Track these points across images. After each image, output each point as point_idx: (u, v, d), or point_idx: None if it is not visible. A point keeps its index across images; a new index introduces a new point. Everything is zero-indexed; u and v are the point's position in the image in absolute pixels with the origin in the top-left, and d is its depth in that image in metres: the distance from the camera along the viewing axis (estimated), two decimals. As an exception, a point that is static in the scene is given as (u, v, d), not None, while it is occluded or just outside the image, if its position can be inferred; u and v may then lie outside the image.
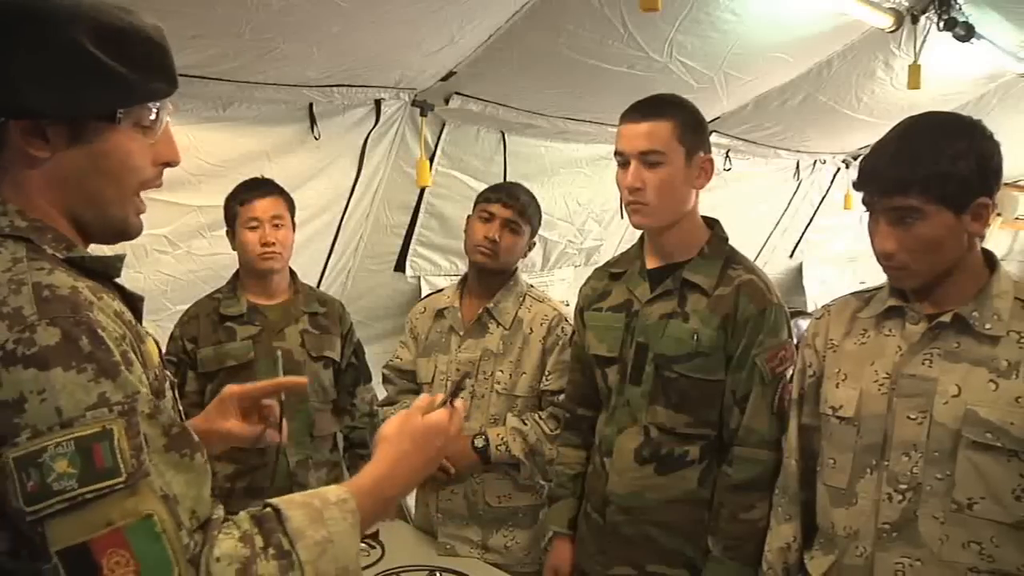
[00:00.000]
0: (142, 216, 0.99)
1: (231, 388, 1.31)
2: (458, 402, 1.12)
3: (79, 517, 0.73)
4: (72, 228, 0.92)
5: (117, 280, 0.96)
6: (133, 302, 0.97)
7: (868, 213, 1.40)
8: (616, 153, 1.75)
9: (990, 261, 1.41)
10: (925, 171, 1.29)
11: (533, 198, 2.24)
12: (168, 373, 1.02)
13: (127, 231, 0.97)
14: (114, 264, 0.94)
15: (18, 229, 0.85)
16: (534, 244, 2.26)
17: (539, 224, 2.26)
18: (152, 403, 0.81)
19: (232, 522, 0.84)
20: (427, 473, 1.05)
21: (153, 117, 0.93)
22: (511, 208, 2.14)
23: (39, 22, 0.82)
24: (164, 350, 2.21)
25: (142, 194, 0.97)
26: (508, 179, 3.33)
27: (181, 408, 1.06)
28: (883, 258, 1.38)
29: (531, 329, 2.17)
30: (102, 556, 0.72)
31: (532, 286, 2.30)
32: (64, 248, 0.87)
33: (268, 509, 0.87)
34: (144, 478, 0.76)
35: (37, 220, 0.87)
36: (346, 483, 0.96)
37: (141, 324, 0.98)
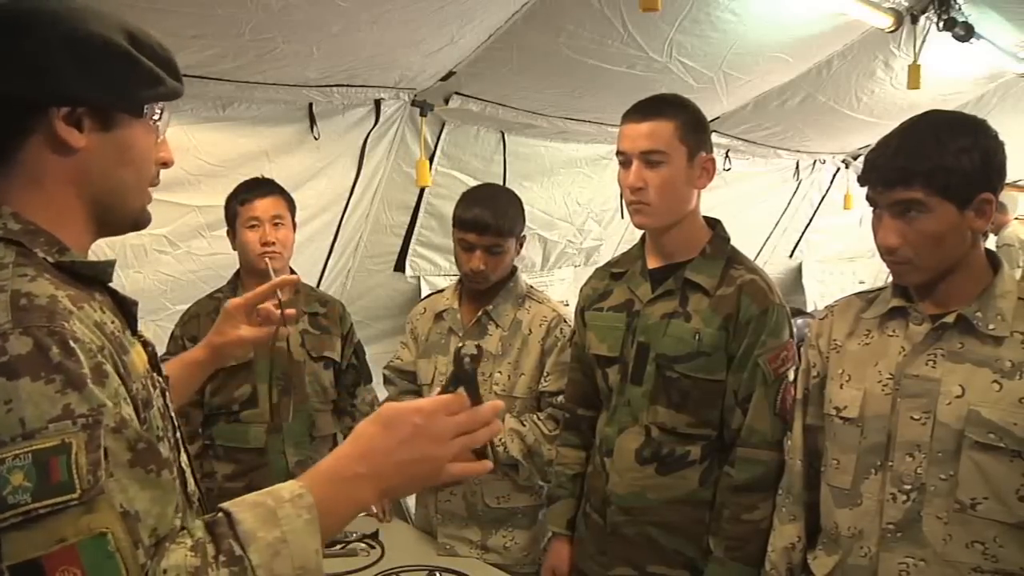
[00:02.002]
0: None
1: (233, 301, 1.44)
2: (492, 403, 1.01)
3: (32, 532, 0.71)
4: (87, 222, 0.93)
5: (111, 285, 0.96)
6: (127, 307, 0.97)
7: (872, 209, 1.40)
8: (618, 153, 1.74)
9: (993, 261, 1.41)
10: (929, 164, 1.29)
11: (509, 202, 2.17)
12: (160, 379, 1.01)
13: (141, 221, 1.01)
14: (104, 269, 0.94)
15: (11, 232, 0.86)
16: (524, 240, 2.23)
17: (523, 225, 2.19)
18: (118, 417, 0.79)
19: (187, 531, 0.83)
20: (413, 459, 0.93)
21: (157, 116, 0.97)
22: (487, 234, 2.07)
23: (77, 18, 0.87)
24: (165, 350, 2.23)
25: (151, 194, 1.02)
26: (508, 179, 3.33)
27: (173, 414, 1.05)
28: (886, 253, 1.38)
29: (530, 330, 2.17)
30: (53, 573, 0.71)
31: (532, 287, 2.29)
32: (56, 252, 0.88)
33: (220, 514, 0.84)
34: (100, 495, 0.74)
35: (31, 223, 0.88)
36: (304, 475, 0.91)
37: (135, 329, 0.98)
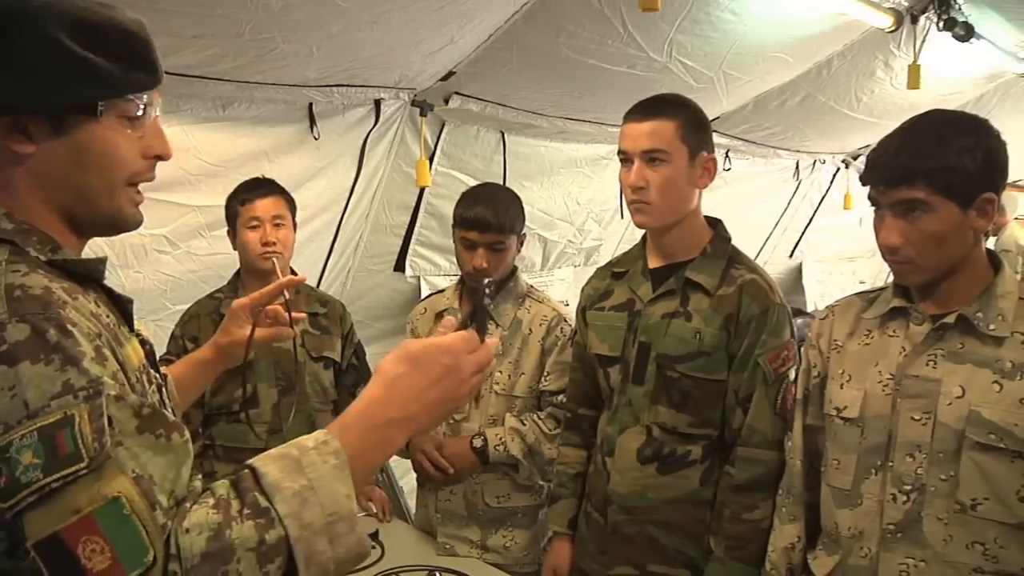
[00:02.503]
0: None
1: (238, 301, 1.42)
2: (489, 340, 0.97)
3: (48, 508, 0.72)
4: (64, 225, 0.92)
5: (105, 283, 0.95)
6: (122, 304, 0.96)
7: (874, 209, 1.40)
8: (619, 152, 1.74)
9: (994, 261, 1.41)
10: (931, 163, 1.29)
11: (510, 200, 2.18)
12: (157, 375, 1.01)
13: (122, 223, 0.96)
14: (96, 267, 0.93)
15: (3, 231, 0.86)
16: (524, 239, 2.24)
17: (523, 223, 2.20)
18: (119, 387, 0.79)
19: (209, 491, 0.81)
20: (442, 399, 0.92)
21: (140, 111, 0.92)
22: (489, 231, 2.07)
23: (12, 19, 0.82)
24: (165, 350, 2.23)
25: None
26: (508, 179, 3.33)
27: (170, 409, 1.05)
28: (888, 252, 1.38)
29: (530, 330, 2.17)
30: (76, 545, 0.71)
31: (532, 287, 2.29)
32: (49, 250, 0.87)
33: (245, 470, 0.83)
34: (108, 460, 0.74)
35: (24, 222, 0.87)
36: (332, 424, 0.88)
37: (131, 326, 0.98)
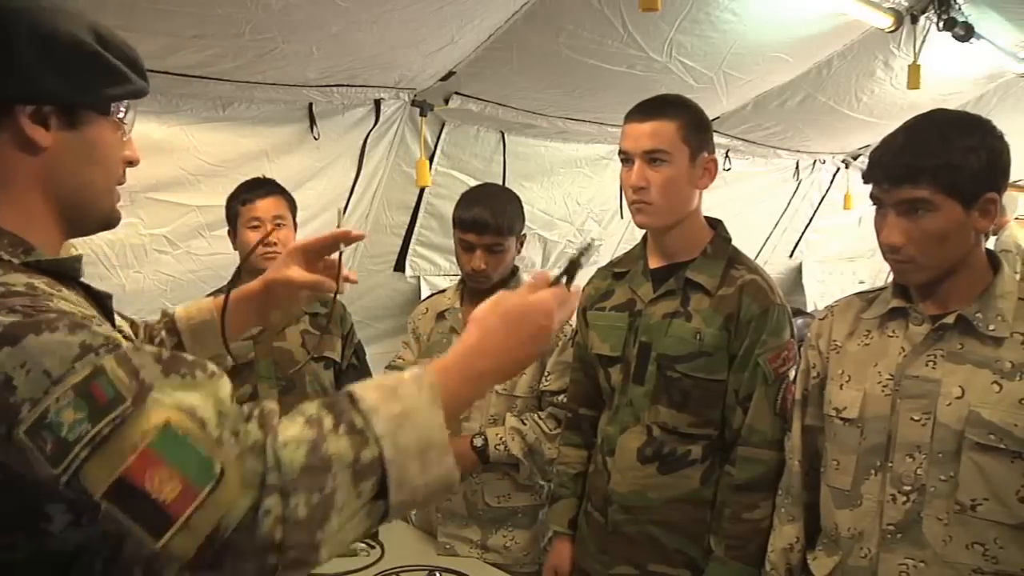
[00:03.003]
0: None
1: (297, 240, 1.38)
2: (573, 286, 1.00)
3: (105, 455, 0.70)
4: (56, 222, 0.93)
5: (83, 280, 0.96)
6: (102, 300, 0.97)
7: (875, 208, 1.40)
8: (620, 152, 1.74)
9: (994, 261, 1.41)
10: (936, 161, 1.29)
11: (508, 200, 2.18)
12: None
13: (111, 220, 1.00)
14: (72, 265, 0.93)
15: None
16: (524, 239, 2.23)
17: (523, 223, 2.20)
18: (132, 343, 0.80)
19: (296, 410, 0.81)
20: (531, 354, 0.95)
21: (122, 115, 0.96)
22: (487, 233, 2.07)
23: (44, 16, 0.87)
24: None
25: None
26: (508, 179, 3.33)
27: None
28: (889, 251, 1.38)
29: (531, 329, 2.16)
30: (143, 481, 0.69)
31: (533, 287, 2.29)
32: (22, 253, 0.87)
33: (341, 395, 0.82)
34: (150, 393, 0.73)
35: None
36: (430, 366, 0.89)
37: (113, 322, 0.98)
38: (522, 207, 2.20)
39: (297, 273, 1.31)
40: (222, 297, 1.32)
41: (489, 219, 2.07)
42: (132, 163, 1.01)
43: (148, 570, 0.72)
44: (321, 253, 1.33)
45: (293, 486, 0.72)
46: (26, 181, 0.89)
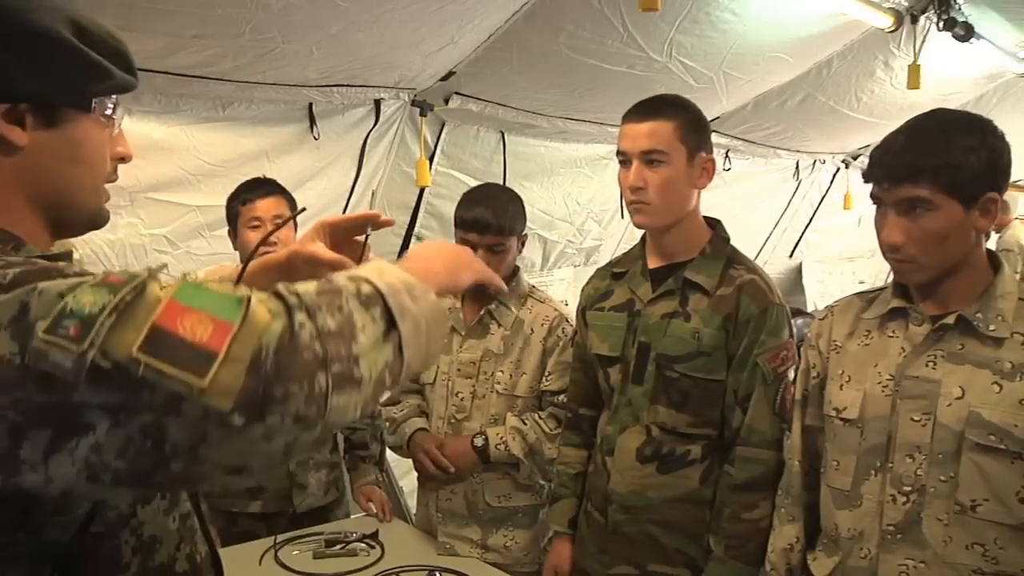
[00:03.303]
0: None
1: (326, 219, 1.34)
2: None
3: (131, 316, 0.67)
4: (42, 224, 0.90)
5: None
6: None
7: (876, 207, 1.40)
8: (618, 153, 1.74)
9: (994, 261, 1.41)
10: (936, 160, 1.29)
11: (510, 200, 2.18)
12: None
13: (98, 220, 0.97)
14: (64, 260, 0.91)
15: None
16: (525, 239, 2.23)
17: (524, 223, 2.19)
18: None
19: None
20: (455, 262, 1.01)
21: (109, 111, 0.92)
22: (488, 233, 2.07)
23: (15, 9, 0.83)
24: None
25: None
26: (508, 179, 3.33)
27: None
28: (889, 251, 1.37)
29: (532, 330, 2.17)
30: (176, 327, 0.67)
31: (534, 287, 2.29)
32: (12, 248, 0.85)
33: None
34: (161, 270, 0.74)
35: None
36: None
37: None
38: (524, 207, 2.20)
39: (322, 250, 1.27)
40: (240, 267, 1.31)
41: (491, 219, 2.06)
42: (124, 159, 0.98)
43: (194, 444, 0.68)
44: (349, 233, 1.30)
45: (316, 305, 0.73)
46: (5, 182, 0.85)
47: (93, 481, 0.69)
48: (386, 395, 0.81)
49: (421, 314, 0.82)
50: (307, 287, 0.75)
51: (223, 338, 0.67)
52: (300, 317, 0.70)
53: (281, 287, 0.74)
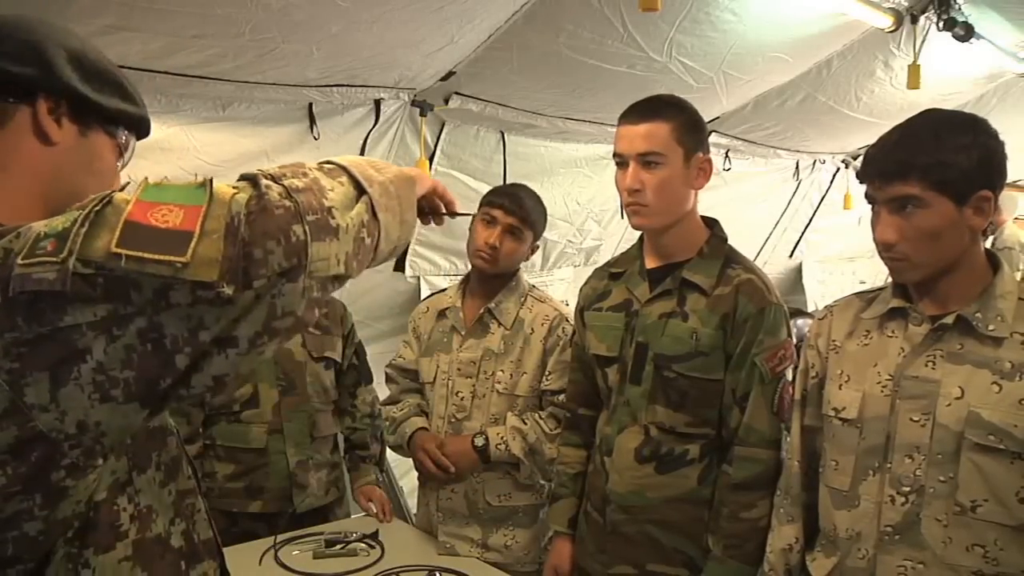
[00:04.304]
0: None
1: None
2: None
3: (102, 220, 0.69)
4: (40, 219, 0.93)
5: None
6: None
7: (871, 207, 1.40)
8: (614, 155, 1.75)
9: (993, 261, 1.41)
10: (926, 159, 1.29)
11: (539, 203, 2.22)
12: None
13: None
14: None
15: None
16: (537, 247, 2.27)
17: (543, 228, 2.24)
18: None
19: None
20: (411, 175, 0.97)
21: (123, 140, 0.99)
22: (513, 215, 2.11)
23: (73, 35, 0.93)
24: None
25: None
26: (508, 179, 3.33)
27: None
28: (883, 249, 1.38)
29: (532, 329, 2.17)
30: (148, 220, 0.69)
31: (534, 287, 2.30)
32: None
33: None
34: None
35: None
36: None
37: None
38: (546, 214, 2.26)
39: None
40: None
41: (518, 203, 2.14)
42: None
43: (192, 332, 0.70)
44: None
45: (280, 173, 0.76)
46: (26, 171, 0.89)
47: (105, 400, 0.70)
48: (371, 260, 0.84)
49: (388, 182, 0.86)
50: (272, 167, 0.78)
51: (195, 219, 0.69)
52: (266, 182, 0.73)
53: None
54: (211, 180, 0.72)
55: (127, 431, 0.77)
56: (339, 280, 0.79)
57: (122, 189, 0.74)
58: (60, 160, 0.91)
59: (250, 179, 0.74)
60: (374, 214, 0.82)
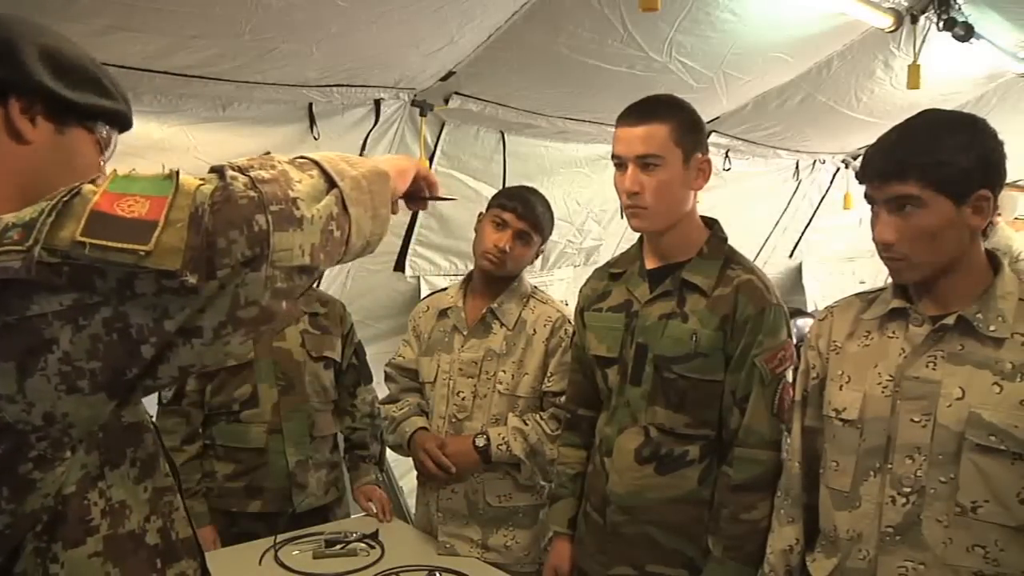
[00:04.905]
0: None
1: None
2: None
3: (69, 210, 0.70)
4: None
5: None
6: None
7: (870, 207, 1.40)
8: (613, 156, 1.75)
9: (994, 262, 1.41)
10: (924, 158, 1.29)
11: (548, 207, 2.22)
12: None
13: None
14: None
15: None
16: (543, 251, 2.27)
17: (550, 232, 2.24)
18: None
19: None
20: (398, 162, 0.99)
21: (104, 133, 0.98)
22: (525, 219, 2.11)
23: (50, 34, 0.91)
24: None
25: None
26: (508, 179, 3.33)
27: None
28: (883, 249, 1.38)
29: (534, 330, 2.17)
30: (113, 210, 0.70)
31: (536, 287, 2.30)
32: None
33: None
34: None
35: None
36: None
37: None
38: (553, 218, 2.27)
39: None
40: None
41: (530, 208, 2.14)
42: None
43: (156, 321, 0.70)
44: None
45: (248, 165, 0.76)
46: (1, 171, 0.88)
47: (72, 391, 0.71)
48: (342, 253, 0.84)
49: (361, 176, 0.85)
50: (240, 161, 0.78)
51: (160, 209, 0.70)
52: (232, 173, 0.74)
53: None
54: (177, 172, 0.73)
55: (94, 422, 0.77)
56: (306, 271, 0.78)
57: (92, 181, 0.74)
58: (37, 159, 0.89)
59: (217, 171, 0.75)
60: (344, 208, 0.82)
